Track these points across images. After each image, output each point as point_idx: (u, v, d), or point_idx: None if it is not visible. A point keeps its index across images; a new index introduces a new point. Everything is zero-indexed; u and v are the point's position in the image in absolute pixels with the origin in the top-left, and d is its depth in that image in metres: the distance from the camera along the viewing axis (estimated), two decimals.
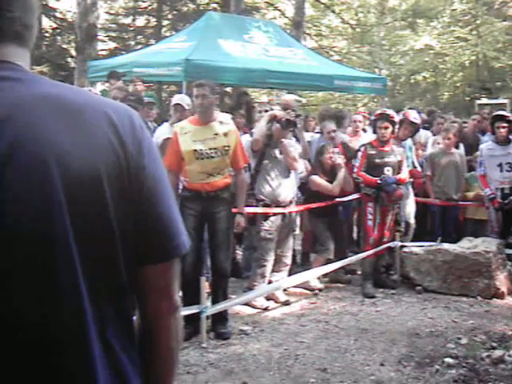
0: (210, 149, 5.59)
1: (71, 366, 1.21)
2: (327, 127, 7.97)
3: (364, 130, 9.16)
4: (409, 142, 8.06)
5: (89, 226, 1.22)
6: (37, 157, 1.17)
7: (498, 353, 5.23)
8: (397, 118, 7.51)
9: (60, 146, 1.19)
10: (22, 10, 1.28)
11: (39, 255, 1.17)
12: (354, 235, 8.86)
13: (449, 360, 5.13)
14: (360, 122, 8.76)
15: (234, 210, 5.92)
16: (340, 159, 7.41)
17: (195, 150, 5.55)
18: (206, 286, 5.59)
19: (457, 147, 8.75)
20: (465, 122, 10.47)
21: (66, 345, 1.20)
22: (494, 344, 5.52)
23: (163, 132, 6.73)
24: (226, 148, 5.67)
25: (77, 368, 1.21)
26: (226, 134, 5.68)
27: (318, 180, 7.39)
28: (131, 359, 1.32)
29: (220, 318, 5.79)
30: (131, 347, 1.34)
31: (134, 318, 1.40)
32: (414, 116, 7.92)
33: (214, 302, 5.72)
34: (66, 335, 1.20)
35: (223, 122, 5.79)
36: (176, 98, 7.14)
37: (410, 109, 9.86)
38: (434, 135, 9.71)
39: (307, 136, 8.38)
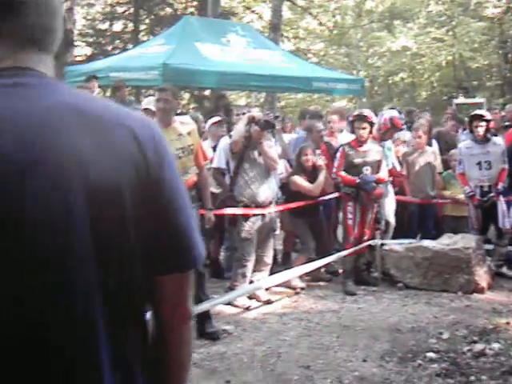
0: (177, 149, 5.58)
1: (80, 370, 1.20)
2: (316, 127, 8.04)
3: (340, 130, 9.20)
4: (388, 142, 8.13)
5: (108, 237, 1.23)
6: (61, 167, 1.17)
7: (479, 346, 5.29)
8: (374, 118, 7.56)
9: (83, 158, 1.19)
10: (42, 14, 1.26)
11: (56, 261, 1.17)
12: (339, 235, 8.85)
13: (431, 354, 5.17)
14: (335, 122, 8.76)
15: (200, 211, 5.93)
16: (321, 160, 7.45)
17: None
18: None
19: (429, 144, 8.82)
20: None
21: (75, 346, 1.19)
22: (475, 338, 5.57)
23: None
24: (192, 147, 5.72)
25: (86, 371, 1.21)
26: (189, 133, 5.74)
27: (299, 181, 7.41)
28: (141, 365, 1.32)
29: (204, 318, 5.75)
30: (143, 357, 1.33)
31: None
32: (403, 123, 8.17)
33: (195, 301, 5.66)
34: (76, 341, 1.19)
35: (184, 123, 5.85)
36: (143, 103, 7.12)
37: (392, 108, 9.93)
38: None
39: (285, 137, 8.42)
